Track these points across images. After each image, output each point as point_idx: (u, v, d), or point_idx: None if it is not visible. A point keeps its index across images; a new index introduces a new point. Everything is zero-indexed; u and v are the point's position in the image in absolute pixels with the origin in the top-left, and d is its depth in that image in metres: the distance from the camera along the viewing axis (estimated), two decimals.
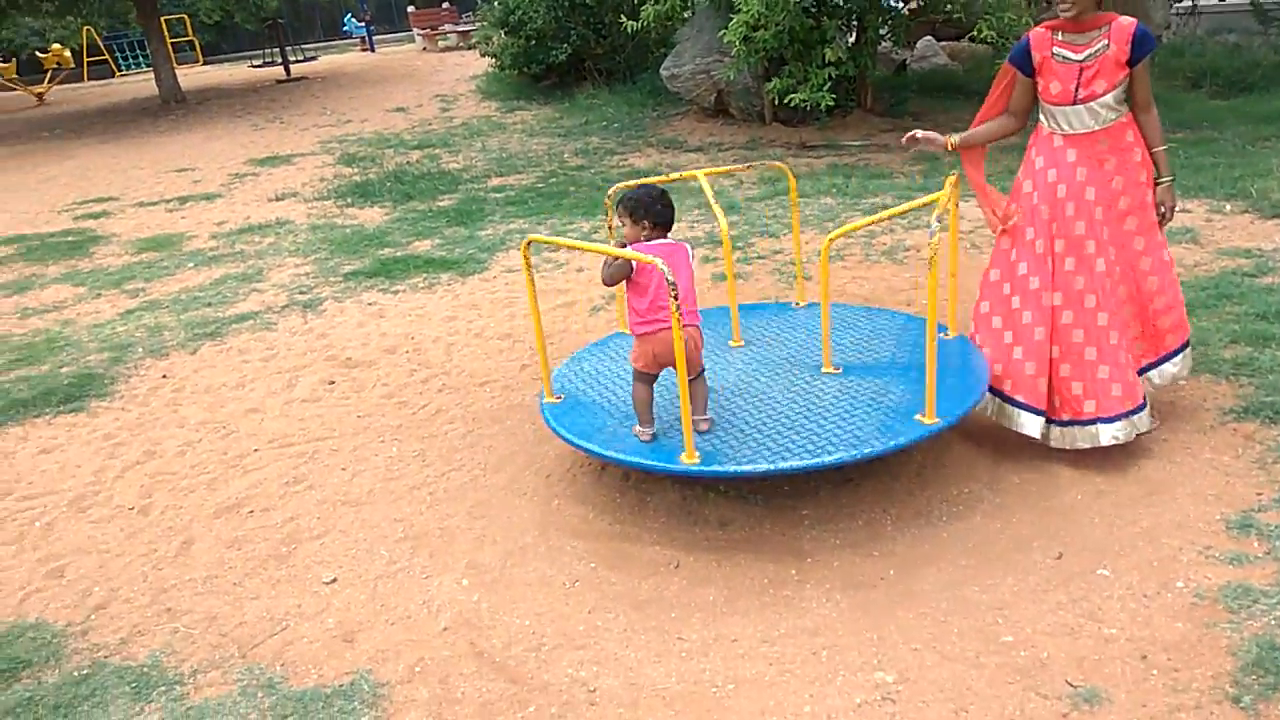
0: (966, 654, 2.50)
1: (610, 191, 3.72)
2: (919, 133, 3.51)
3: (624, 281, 3.07)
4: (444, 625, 2.85)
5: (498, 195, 8.31)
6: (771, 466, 2.89)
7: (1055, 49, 3.20)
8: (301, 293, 6.08)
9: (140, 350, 5.33)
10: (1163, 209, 3.29)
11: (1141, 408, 3.25)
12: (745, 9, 7.47)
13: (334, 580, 3.13)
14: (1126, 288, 3.32)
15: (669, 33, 11.94)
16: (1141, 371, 3.37)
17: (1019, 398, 3.35)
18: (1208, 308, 4.28)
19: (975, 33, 7.93)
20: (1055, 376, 3.33)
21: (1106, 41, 3.12)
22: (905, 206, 3.32)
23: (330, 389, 4.63)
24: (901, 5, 10.13)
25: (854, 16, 9.54)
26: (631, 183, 3.56)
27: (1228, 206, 5.89)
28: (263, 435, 4.20)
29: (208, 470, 3.94)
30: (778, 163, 3.63)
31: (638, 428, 3.18)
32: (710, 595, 2.87)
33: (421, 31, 23.09)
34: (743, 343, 3.91)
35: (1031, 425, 3.33)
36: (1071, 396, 3.30)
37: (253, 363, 5.03)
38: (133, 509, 3.69)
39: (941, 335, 3.66)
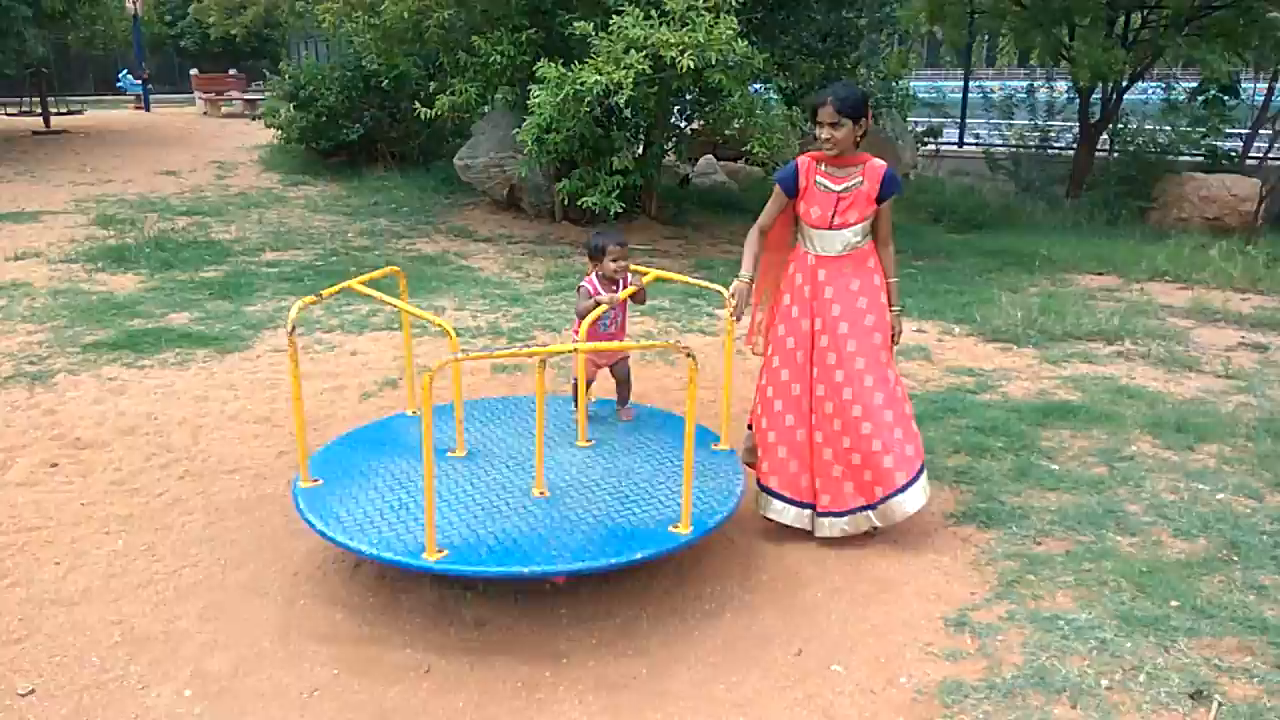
0: None
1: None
2: (733, 299, 3.57)
3: None
4: None
5: (271, 270, 7.96)
6: (510, 569, 2.87)
7: (818, 178, 3.54)
8: (31, 363, 5.48)
9: None
10: (893, 332, 3.66)
11: (869, 506, 3.54)
12: (539, 112, 7.70)
13: (31, 692, 2.76)
14: (843, 421, 3.54)
15: (464, 124, 12.09)
16: (862, 509, 3.58)
17: (785, 493, 3.62)
18: (935, 420, 4.72)
19: (748, 149, 8.55)
20: (813, 472, 3.60)
21: (861, 179, 3.49)
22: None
23: (52, 472, 4.16)
24: (685, 125, 10.79)
25: (641, 130, 10.07)
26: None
27: (956, 329, 6.59)
28: None
29: None
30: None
31: None
32: (460, 702, 2.77)
33: (204, 95, 22.07)
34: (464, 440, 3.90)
35: (793, 516, 3.62)
36: (816, 490, 3.61)
37: None
38: None
39: (714, 445, 3.82)
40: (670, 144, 10.39)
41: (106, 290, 7.17)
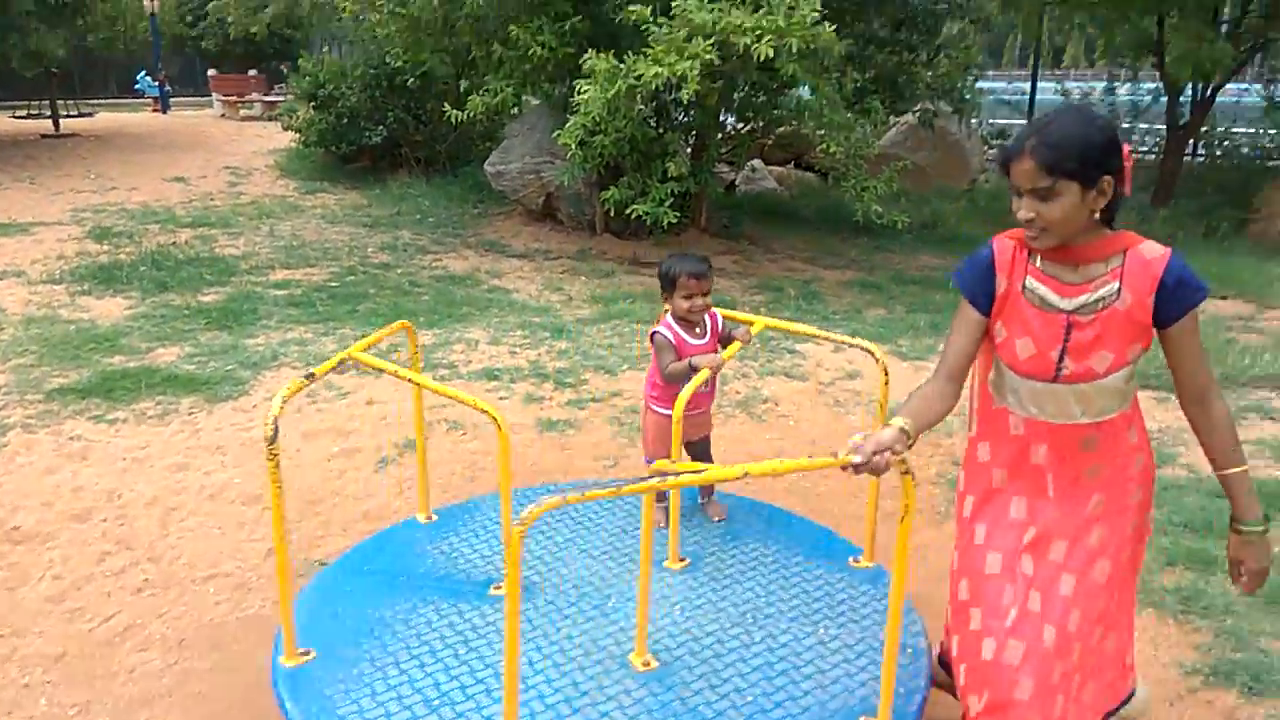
0: None
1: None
2: (862, 448, 1.74)
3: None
4: None
5: (279, 292, 6.97)
6: None
7: (1029, 281, 1.93)
8: None
9: None
10: (1241, 570, 1.96)
11: None
12: (585, 111, 6.67)
13: None
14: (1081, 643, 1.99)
15: (495, 126, 11.12)
16: None
17: None
18: None
19: (823, 149, 7.46)
20: None
21: (1117, 284, 1.87)
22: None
23: None
24: (741, 125, 9.73)
25: (693, 131, 9.02)
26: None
27: None
28: None
29: None
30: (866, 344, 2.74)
31: None
32: None
33: (222, 97, 21.27)
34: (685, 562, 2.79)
35: None
36: None
37: None
38: None
39: (854, 561, 2.77)
40: (726, 147, 9.32)
41: (88, 319, 6.20)
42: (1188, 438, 4.42)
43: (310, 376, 2.38)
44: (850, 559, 2.81)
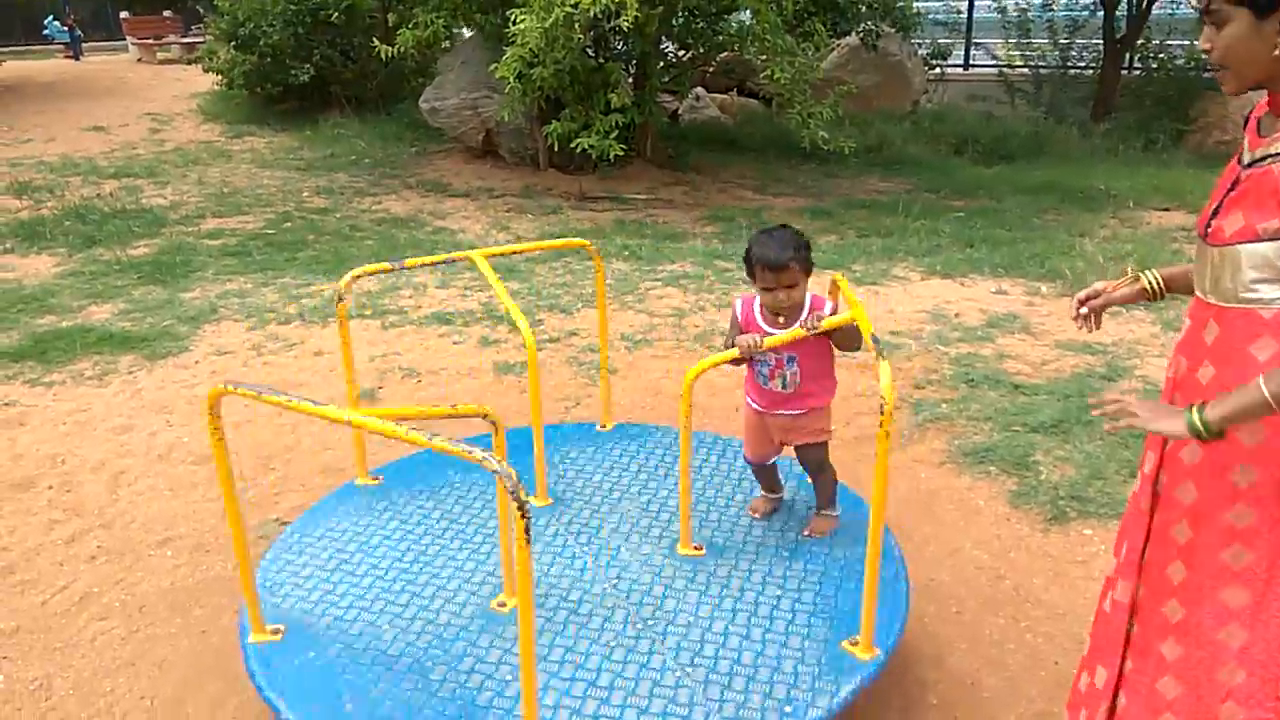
0: None
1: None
2: (1090, 296, 1.96)
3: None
4: None
5: (213, 243, 6.71)
6: None
7: (1246, 135, 1.66)
8: None
9: None
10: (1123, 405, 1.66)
11: None
12: (521, 42, 6.45)
13: None
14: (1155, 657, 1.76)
15: (429, 61, 10.76)
16: None
17: None
18: (1086, 424, 3.68)
19: (767, 75, 7.34)
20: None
21: None
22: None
23: None
24: (683, 53, 9.53)
25: (634, 61, 8.81)
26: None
27: (1044, 288, 5.53)
28: None
29: None
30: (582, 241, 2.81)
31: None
32: None
33: (137, 40, 20.23)
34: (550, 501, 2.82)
35: None
36: None
37: None
38: None
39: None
40: (668, 76, 9.13)
41: (14, 278, 5.91)
42: (1143, 350, 4.49)
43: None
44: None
